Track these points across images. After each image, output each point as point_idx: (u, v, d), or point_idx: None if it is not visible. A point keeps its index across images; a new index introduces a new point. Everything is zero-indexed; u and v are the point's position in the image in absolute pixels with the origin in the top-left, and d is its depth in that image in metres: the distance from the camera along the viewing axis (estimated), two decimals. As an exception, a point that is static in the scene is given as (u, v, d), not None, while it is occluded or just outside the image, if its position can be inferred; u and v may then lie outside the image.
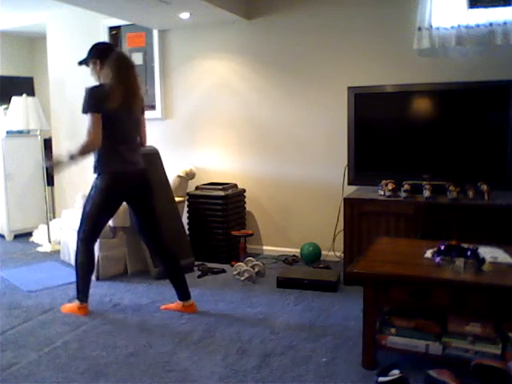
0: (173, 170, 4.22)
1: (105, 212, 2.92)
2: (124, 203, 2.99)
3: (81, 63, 2.98)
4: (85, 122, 2.73)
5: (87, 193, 2.91)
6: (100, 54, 2.87)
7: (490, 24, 3.37)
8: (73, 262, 4.00)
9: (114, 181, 2.83)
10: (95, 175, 2.88)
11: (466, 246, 2.29)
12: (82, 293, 3.00)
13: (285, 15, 4.10)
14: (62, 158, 2.79)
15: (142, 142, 3.01)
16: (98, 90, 2.78)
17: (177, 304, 3.05)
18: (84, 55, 2.96)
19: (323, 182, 4.11)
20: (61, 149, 5.24)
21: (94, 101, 2.72)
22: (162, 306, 3.10)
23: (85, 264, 2.96)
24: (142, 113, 2.97)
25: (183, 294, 3.03)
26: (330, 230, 4.05)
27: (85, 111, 2.73)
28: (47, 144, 5.04)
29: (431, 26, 3.52)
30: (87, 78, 4.95)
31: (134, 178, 2.90)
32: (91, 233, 2.94)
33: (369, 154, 3.66)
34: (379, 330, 2.30)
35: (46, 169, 4.78)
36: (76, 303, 3.02)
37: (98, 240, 3.64)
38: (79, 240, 2.95)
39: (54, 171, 3.03)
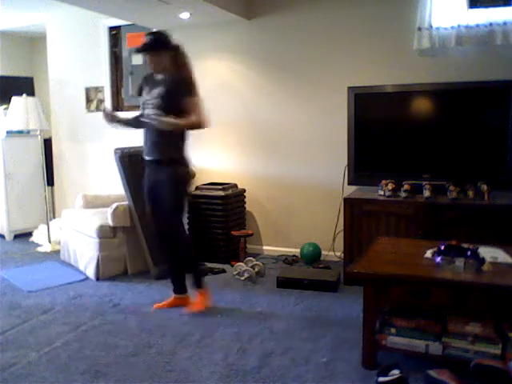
0: (173, 169, 4.21)
1: None
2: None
3: None
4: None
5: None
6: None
7: (490, 24, 3.37)
8: (73, 261, 4.02)
9: None
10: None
11: (466, 246, 2.29)
12: None
13: (285, 15, 4.10)
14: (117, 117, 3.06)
15: None
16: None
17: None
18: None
19: (323, 182, 4.11)
20: (60, 149, 5.26)
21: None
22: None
23: None
24: None
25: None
26: (329, 229, 4.05)
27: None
28: (47, 144, 5.04)
29: (431, 26, 3.52)
30: (86, 78, 5.04)
31: None
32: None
33: (369, 154, 3.66)
34: (379, 330, 2.30)
35: (47, 168, 4.79)
36: None
37: (98, 240, 3.67)
38: None
39: (106, 120, 3.07)
